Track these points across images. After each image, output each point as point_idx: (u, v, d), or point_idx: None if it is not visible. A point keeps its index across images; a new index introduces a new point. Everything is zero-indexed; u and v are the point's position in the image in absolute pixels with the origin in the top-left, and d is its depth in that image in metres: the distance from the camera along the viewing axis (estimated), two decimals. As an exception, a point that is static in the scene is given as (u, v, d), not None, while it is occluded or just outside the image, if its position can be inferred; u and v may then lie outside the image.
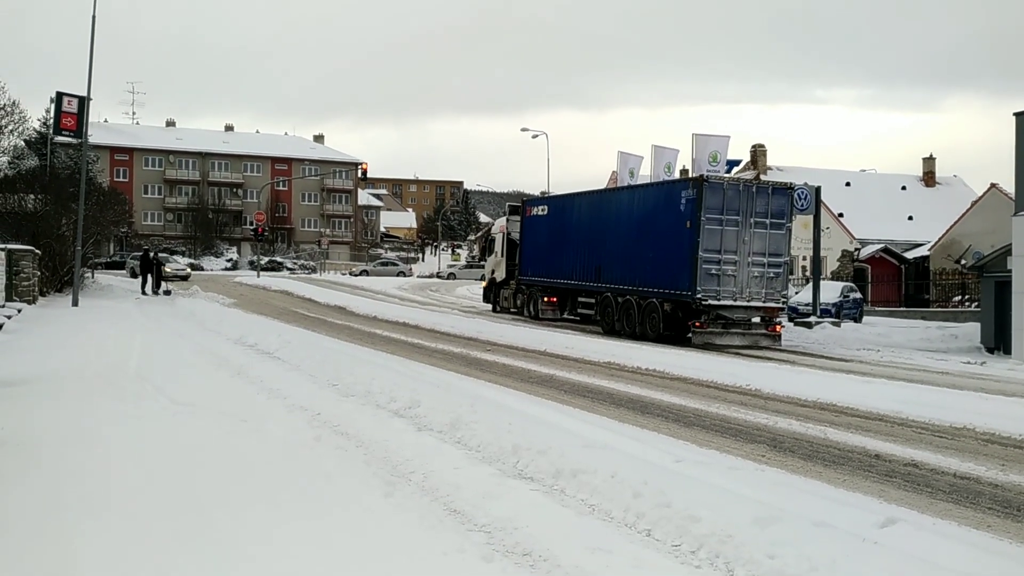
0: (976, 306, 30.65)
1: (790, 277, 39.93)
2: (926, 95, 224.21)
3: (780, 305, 21.59)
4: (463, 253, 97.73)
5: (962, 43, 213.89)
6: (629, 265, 23.46)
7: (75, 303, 26.20)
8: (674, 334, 21.50)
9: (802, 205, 25.31)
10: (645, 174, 29.47)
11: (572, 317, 27.53)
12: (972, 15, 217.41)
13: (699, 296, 20.62)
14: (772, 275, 21.29)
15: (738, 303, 20.98)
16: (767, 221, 21.10)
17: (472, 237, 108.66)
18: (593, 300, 25.31)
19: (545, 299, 28.34)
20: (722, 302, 20.82)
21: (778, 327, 21.66)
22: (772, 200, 21.25)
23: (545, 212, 29.04)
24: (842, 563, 5.28)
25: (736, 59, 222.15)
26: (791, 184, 23.00)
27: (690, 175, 24.05)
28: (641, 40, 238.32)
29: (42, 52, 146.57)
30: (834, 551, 5.43)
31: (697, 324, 21.00)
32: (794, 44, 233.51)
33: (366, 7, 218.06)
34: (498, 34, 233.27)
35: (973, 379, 16.53)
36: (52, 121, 30.54)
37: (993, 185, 42.29)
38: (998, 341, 23.45)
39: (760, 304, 21.20)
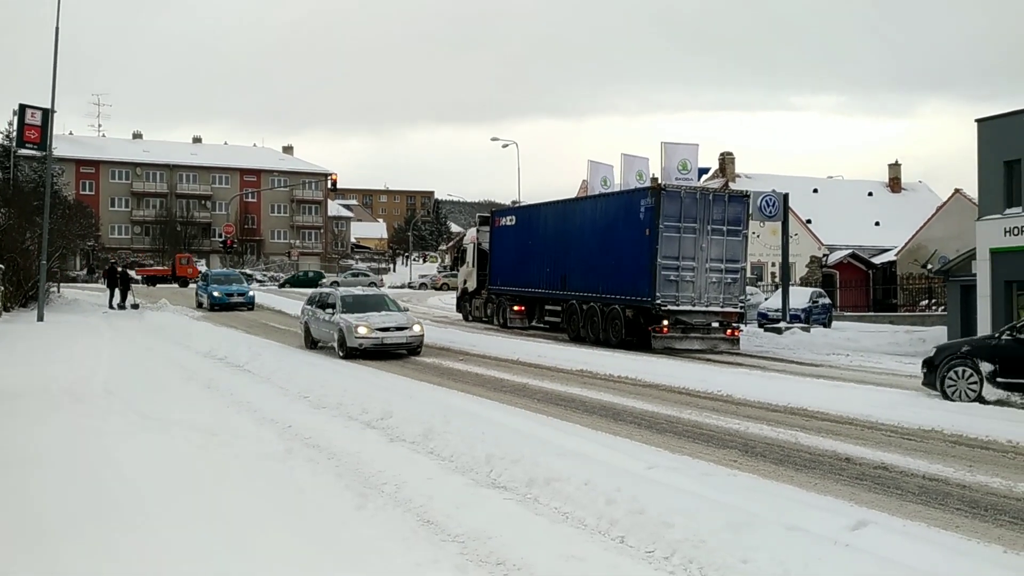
0: (943, 310, 31.02)
1: (759, 283, 40.46)
2: (901, 102, 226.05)
3: (737, 310, 21.94)
4: (435, 263, 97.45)
5: (939, 49, 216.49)
6: (592, 273, 23.70)
7: (40, 318, 25.81)
8: (636, 339, 21.76)
9: (770, 212, 25.57)
10: (617, 183, 29.60)
11: (540, 325, 27.57)
12: (951, 21, 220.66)
13: (658, 302, 20.93)
14: (729, 280, 21.69)
15: (696, 308, 21.34)
16: (724, 228, 21.48)
17: (443, 247, 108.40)
18: (559, 308, 25.44)
19: (514, 308, 28.42)
20: (681, 307, 21.17)
21: (736, 331, 22.00)
22: (729, 208, 21.65)
23: (513, 222, 29.09)
24: (815, 566, 5.31)
25: (713, 66, 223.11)
26: (747, 192, 23.44)
27: (660, 183, 24.13)
28: (619, 48, 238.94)
29: (5, 65, 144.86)
30: (807, 555, 5.47)
31: (657, 329, 21.25)
32: (771, 51, 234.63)
33: (339, 18, 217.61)
34: (476, 43, 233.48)
35: (940, 382, 16.67)
36: (15, 134, 30.03)
37: (957, 191, 42.89)
38: (964, 344, 23.71)
39: (718, 309, 21.59)
